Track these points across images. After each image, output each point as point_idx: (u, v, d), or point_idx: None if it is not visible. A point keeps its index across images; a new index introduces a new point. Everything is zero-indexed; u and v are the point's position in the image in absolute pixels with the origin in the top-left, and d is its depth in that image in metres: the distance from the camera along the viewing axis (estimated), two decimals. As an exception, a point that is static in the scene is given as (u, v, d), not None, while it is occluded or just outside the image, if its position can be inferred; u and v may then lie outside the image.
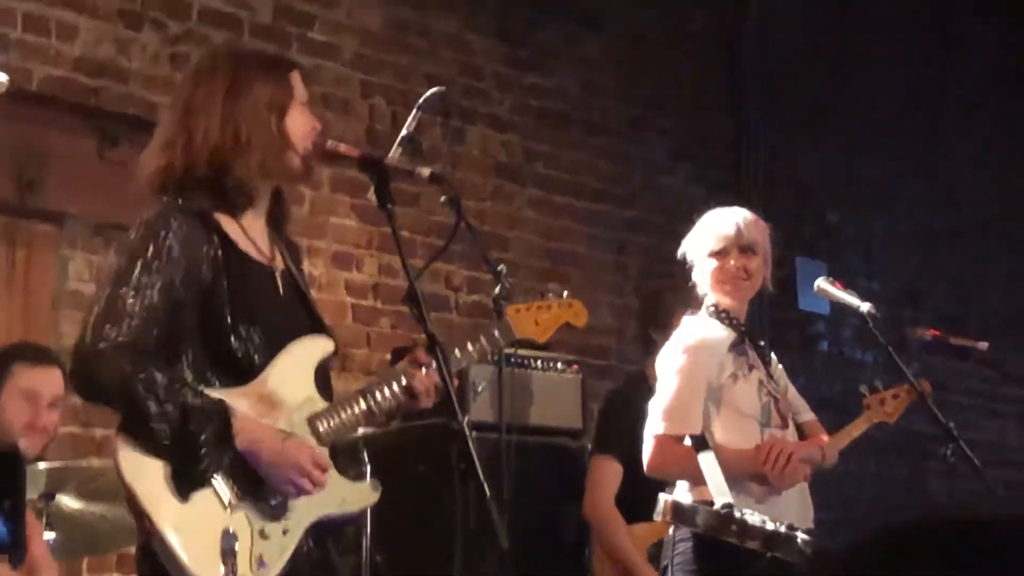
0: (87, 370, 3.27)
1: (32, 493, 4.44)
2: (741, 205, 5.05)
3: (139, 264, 3.33)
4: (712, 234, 4.83)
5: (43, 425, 4.72)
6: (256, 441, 3.29)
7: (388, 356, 6.70)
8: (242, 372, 3.40)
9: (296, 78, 3.60)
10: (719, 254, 4.81)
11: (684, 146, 8.63)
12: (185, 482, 3.25)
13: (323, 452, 3.42)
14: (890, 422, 5.19)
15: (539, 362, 6.30)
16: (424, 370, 3.58)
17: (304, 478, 3.34)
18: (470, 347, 3.71)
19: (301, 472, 3.33)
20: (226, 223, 3.48)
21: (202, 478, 3.26)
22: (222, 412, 3.27)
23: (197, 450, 3.22)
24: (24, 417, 4.70)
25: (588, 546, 6.32)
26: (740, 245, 4.79)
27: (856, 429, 5.14)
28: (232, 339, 3.38)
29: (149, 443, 3.23)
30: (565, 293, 4.10)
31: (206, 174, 3.44)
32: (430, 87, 4.38)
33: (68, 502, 4.60)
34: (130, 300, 3.28)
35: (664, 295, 5.89)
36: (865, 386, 5.24)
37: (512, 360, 6.00)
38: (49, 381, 4.73)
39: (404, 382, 3.58)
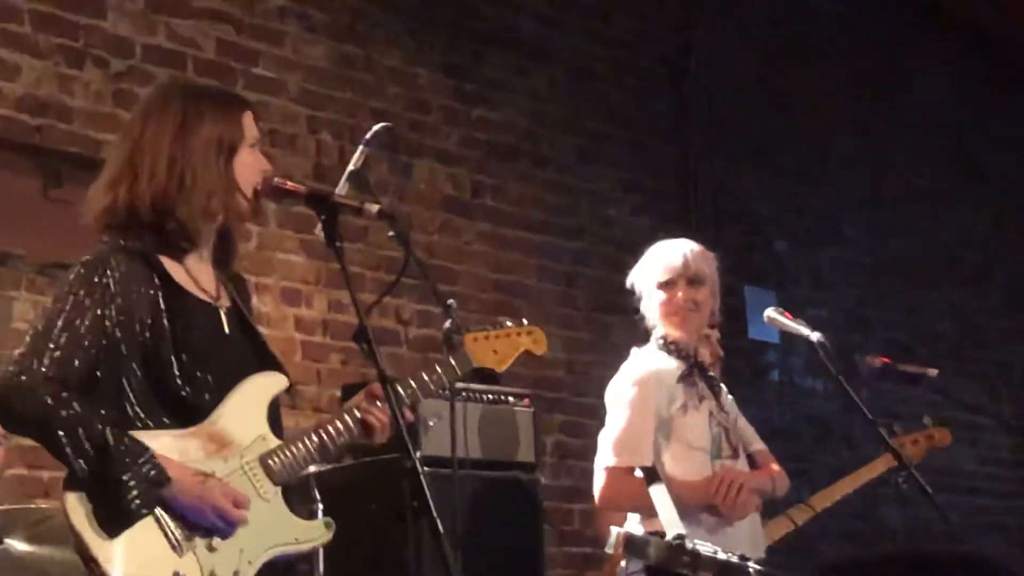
0: (7, 401, 3.24)
1: (-22, 537, 4.39)
2: (689, 236, 5.08)
3: (71, 301, 3.32)
4: (660, 266, 4.86)
5: None
6: (177, 485, 3.26)
7: (338, 393, 6.66)
8: (192, 412, 3.37)
9: (248, 119, 3.57)
10: (667, 286, 4.83)
11: (632, 178, 8.65)
12: (110, 520, 3.22)
13: (238, 491, 3.39)
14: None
15: (490, 396, 6.28)
16: (380, 404, 3.55)
17: (222, 519, 3.31)
18: (426, 378, 3.68)
19: (220, 513, 3.30)
20: (169, 264, 3.46)
21: (129, 518, 3.22)
22: (149, 455, 3.23)
23: (119, 490, 3.19)
24: None
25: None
26: (688, 277, 4.82)
27: (873, 471, 5.15)
28: (179, 380, 3.36)
29: (76, 480, 3.22)
30: (524, 320, 4.04)
31: (149, 216, 3.42)
32: (377, 122, 4.38)
33: (17, 546, 4.54)
34: (57, 334, 3.27)
35: None
36: (885, 430, 5.26)
37: (464, 394, 5.98)
38: None
39: (359, 416, 3.56)
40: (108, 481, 3.19)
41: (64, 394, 3.22)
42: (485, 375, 5.91)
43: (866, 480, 5.25)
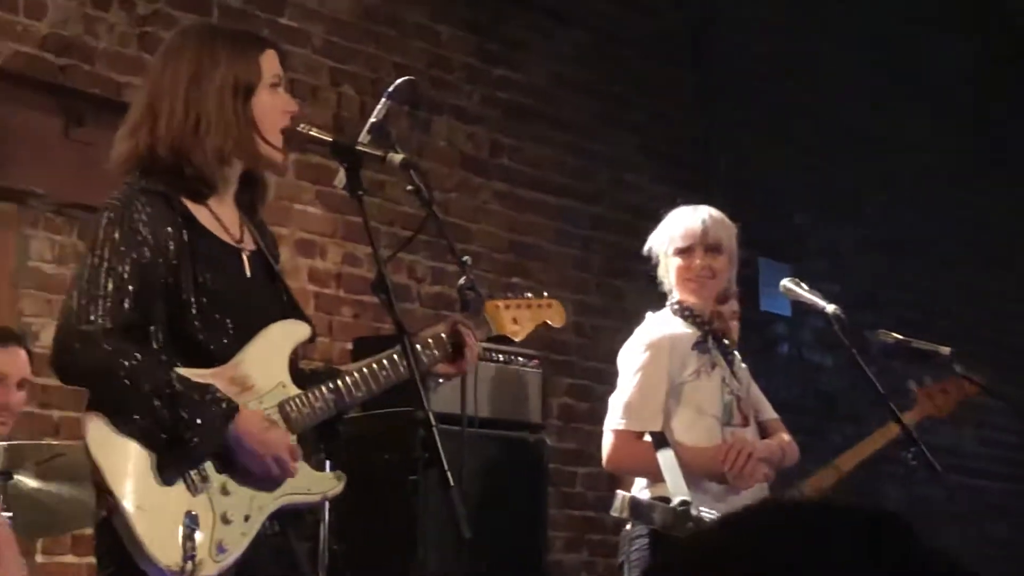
0: (69, 354, 3.26)
1: (-11, 471, 4.42)
2: (707, 204, 5.05)
3: (109, 244, 3.31)
4: (678, 231, 4.84)
5: (12, 406, 4.72)
6: (244, 427, 3.28)
7: (350, 346, 6.68)
8: (209, 354, 3.37)
9: (268, 58, 3.52)
10: (684, 252, 4.81)
11: (651, 144, 8.64)
12: (164, 465, 3.25)
13: (296, 443, 3.41)
14: (940, 416, 5.18)
15: (501, 356, 6.29)
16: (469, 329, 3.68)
17: (279, 468, 3.33)
18: (444, 338, 3.70)
19: (278, 462, 3.33)
20: (192, 205, 3.45)
21: (189, 462, 3.24)
22: (214, 389, 3.26)
23: (186, 435, 3.20)
24: None
25: (545, 540, 6.33)
26: (706, 244, 4.80)
27: (909, 420, 5.14)
28: (196, 322, 3.36)
29: (126, 424, 3.23)
30: (545, 293, 4.09)
31: (168, 160, 3.41)
32: (399, 77, 4.35)
33: (25, 481, 4.57)
34: (103, 281, 3.27)
35: None
36: (913, 381, 5.24)
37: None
38: (16, 362, 4.74)
39: (447, 341, 3.64)
40: (176, 426, 3.20)
41: (123, 344, 3.23)
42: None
43: (909, 426, 5.22)
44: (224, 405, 3.26)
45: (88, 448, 3.27)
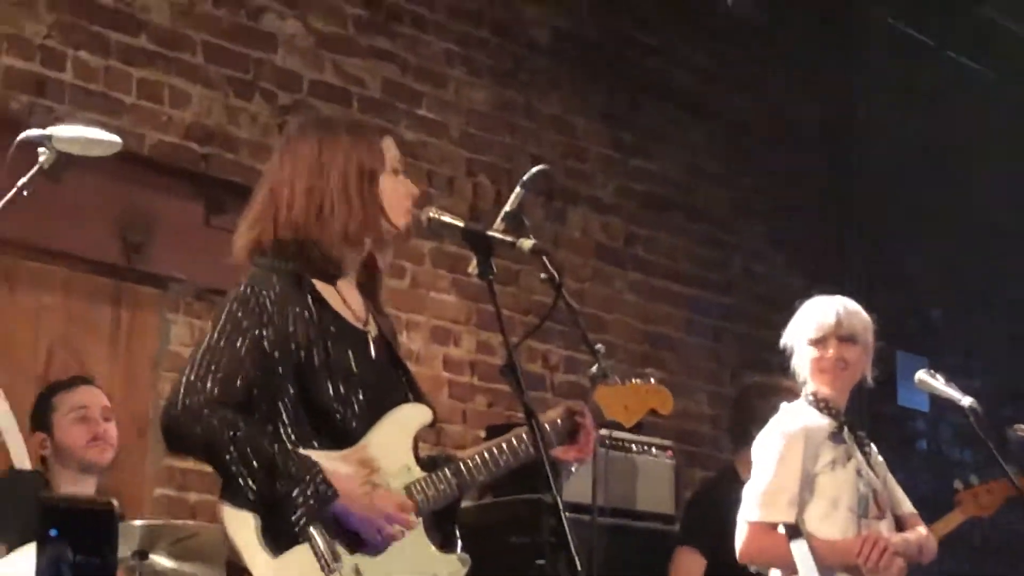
0: (175, 424, 3.27)
1: (125, 551, 4.47)
2: (841, 295, 5.01)
3: (231, 321, 3.34)
4: (812, 322, 4.82)
5: (104, 435, 4.86)
6: (346, 497, 3.30)
7: (483, 434, 6.68)
8: (341, 435, 3.39)
9: (388, 144, 3.58)
10: (818, 342, 4.78)
11: (785, 235, 8.61)
12: (277, 538, 3.26)
13: (405, 497, 3.42)
14: (986, 516, 5.09)
15: (634, 445, 6.26)
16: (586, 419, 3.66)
17: (392, 525, 3.34)
18: (560, 423, 3.70)
19: (390, 520, 3.34)
20: (321, 286, 3.49)
21: (294, 535, 3.25)
22: (317, 470, 3.27)
23: (287, 507, 3.22)
24: (85, 435, 4.86)
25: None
26: (839, 335, 4.77)
27: (949, 524, 5.07)
28: (333, 402, 3.38)
29: (241, 498, 3.25)
30: (652, 380, 4.04)
31: (293, 246, 3.46)
32: (534, 167, 4.38)
33: (160, 561, 4.62)
34: (219, 356, 3.30)
35: (751, 390, 5.86)
36: (959, 480, 5.17)
37: (607, 442, 5.96)
38: (92, 396, 4.96)
39: (563, 426, 3.63)
40: (276, 498, 3.23)
41: (229, 415, 3.24)
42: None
43: (948, 531, 5.13)
44: (322, 487, 3.26)
45: (225, 528, 3.28)
